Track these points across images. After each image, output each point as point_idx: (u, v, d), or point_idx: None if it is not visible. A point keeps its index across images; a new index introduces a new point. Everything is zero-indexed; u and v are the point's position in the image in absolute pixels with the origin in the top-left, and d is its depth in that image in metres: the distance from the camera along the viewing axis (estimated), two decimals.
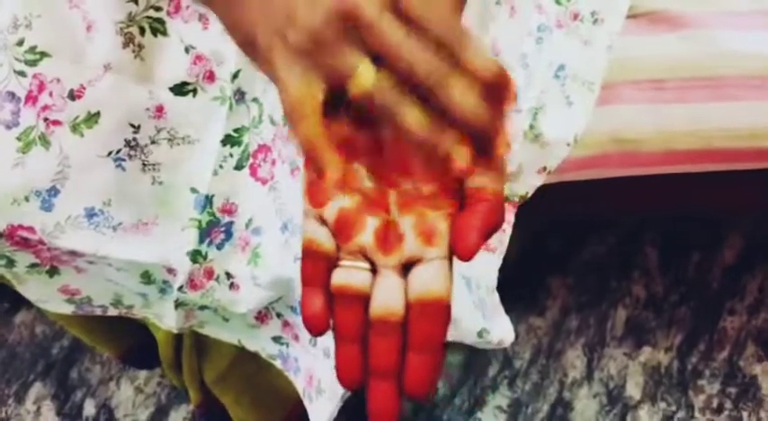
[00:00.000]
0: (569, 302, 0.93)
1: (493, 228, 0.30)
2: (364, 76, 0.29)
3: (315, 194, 0.32)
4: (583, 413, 0.88)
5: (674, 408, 0.87)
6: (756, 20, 0.53)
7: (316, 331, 0.30)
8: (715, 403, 0.87)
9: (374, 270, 0.31)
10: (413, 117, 0.29)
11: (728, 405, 0.87)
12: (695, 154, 0.56)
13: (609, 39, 0.53)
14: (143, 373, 0.93)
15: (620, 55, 0.54)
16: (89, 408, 0.92)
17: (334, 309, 0.30)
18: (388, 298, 0.30)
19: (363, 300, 0.30)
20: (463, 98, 0.28)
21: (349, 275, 0.30)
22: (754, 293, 0.93)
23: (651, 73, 0.54)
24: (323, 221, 0.31)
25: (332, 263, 0.31)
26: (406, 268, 0.30)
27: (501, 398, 0.89)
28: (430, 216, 0.30)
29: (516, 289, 0.94)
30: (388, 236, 0.31)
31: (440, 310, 0.29)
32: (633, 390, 0.89)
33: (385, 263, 0.30)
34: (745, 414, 0.87)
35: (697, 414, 0.87)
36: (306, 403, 0.54)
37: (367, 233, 0.31)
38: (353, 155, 0.32)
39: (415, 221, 0.30)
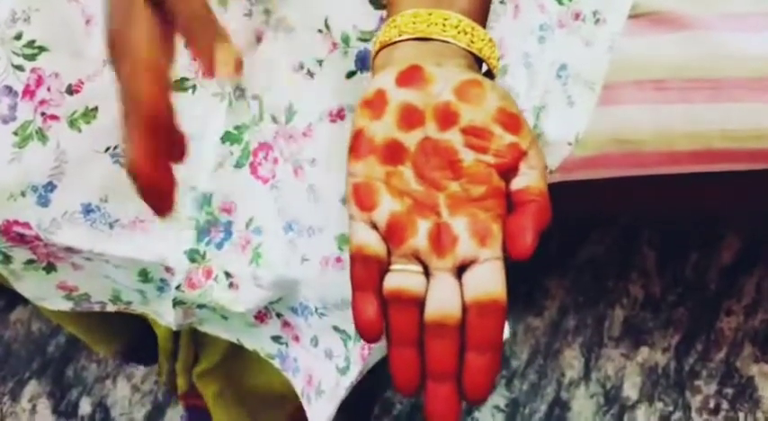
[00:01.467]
0: (567, 302, 0.93)
1: (544, 226, 0.31)
2: None
3: (362, 198, 0.32)
4: (580, 413, 0.88)
5: (671, 409, 0.88)
6: (758, 21, 0.53)
7: (370, 336, 0.30)
8: (712, 403, 0.88)
9: (426, 273, 0.31)
10: None
11: (725, 405, 0.87)
12: (695, 154, 0.56)
13: (610, 39, 0.53)
14: (139, 372, 0.92)
15: (621, 55, 0.53)
16: (85, 406, 0.92)
17: (390, 314, 0.30)
18: (444, 300, 0.30)
19: (419, 303, 0.30)
20: None
21: (403, 279, 0.30)
22: (752, 294, 0.93)
23: (652, 73, 0.54)
24: (373, 225, 0.31)
25: (384, 267, 0.31)
26: (459, 270, 0.30)
27: (498, 397, 0.89)
28: (481, 217, 0.31)
29: (514, 289, 0.94)
30: (441, 238, 0.31)
31: (498, 310, 0.29)
32: (630, 391, 0.89)
33: (439, 265, 0.30)
34: (741, 414, 0.87)
35: (694, 414, 0.87)
36: (304, 404, 0.53)
37: (420, 236, 0.31)
38: (398, 158, 0.32)
39: (468, 223, 0.31)
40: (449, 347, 0.29)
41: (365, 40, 0.46)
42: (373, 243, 0.31)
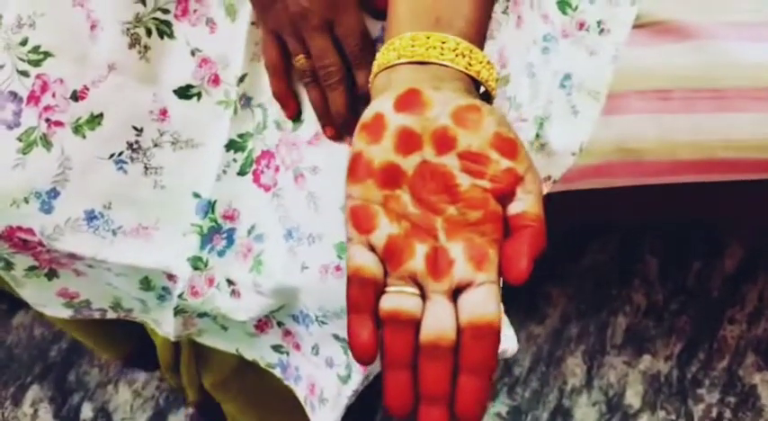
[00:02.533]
0: (569, 310, 0.93)
1: (539, 251, 0.31)
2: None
3: (360, 221, 0.32)
4: None
5: (673, 417, 0.87)
6: (762, 31, 0.53)
7: (365, 358, 0.30)
8: (714, 412, 0.87)
9: (422, 295, 0.31)
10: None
11: (728, 414, 0.87)
12: (699, 164, 0.56)
13: (614, 49, 0.53)
14: (141, 377, 0.92)
15: (625, 65, 0.53)
16: (87, 412, 0.92)
17: (385, 335, 0.30)
18: (439, 322, 0.30)
19: (414, 324, 0.30)
20: None
21: (400, 300, 0.31)
22: (754, 302, 0.93)
23: (657, 83, 0.54)
24: (371, 247, 0.32)
25: (380, 289, 0.31)
26: (454, 293, 0.31)
27: (501, 405, 0.89)
28: (478, 241, 0.31)
29: (517, 296, 0.93)
30: (438, 261, 0.31)
31: (492, 334, 0.29)
32: (633, 399, 0.88)
33: (435, 288, 0.31)
34: None
35: None
36: (308, 411, 0.53)
37: (417, 259, 0.31)
38: (396, 182, 0.32)
39: (464, 247, 0.31)
40: (442, 369, 0.29)
41: None
42: (371, 265, 0.31)
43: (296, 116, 0.46)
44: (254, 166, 0.48)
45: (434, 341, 0.30)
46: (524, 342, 0.92)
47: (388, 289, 0.31)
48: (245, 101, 0.48)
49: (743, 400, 0.88)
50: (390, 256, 0.31)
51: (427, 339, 0.30)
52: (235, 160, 0.48)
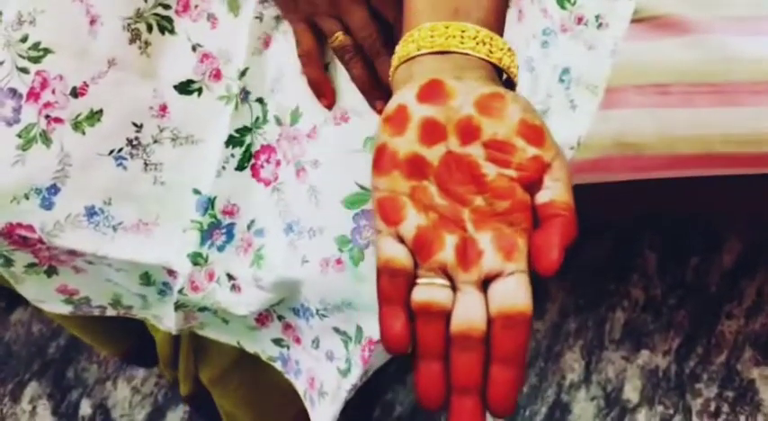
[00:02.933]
0: (568, 305, 0.94)
1: (570, 240, 0.31)
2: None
3: (389, 213, 0.32)
4: (580, 416, 0.88)
5: (671, 412, 0.88)
6: (762, 25, 0.53)
7: (398, 349, 0.30)
8: (713, 407, 0.88)
9: (452, 286, 0.31)
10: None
11: (726, 408, 0.87)
12: (698, 159, 0.56)
13: (613, 43, 0.53)
14: (140, 373, 0.92)
15: (624, 59, 0.53)
16: (85, 408, 0.92)
17: (417, 327, 0.30)
18: (470, 313, 0.30)
19: (445, 316, 0.30)
20: None
21: (431, 292, 0.31)
22: (753, 297, 0.93)
23: (655, 77, 0.54)
24: (400, 239, 0.31)
25: (411, 280, 0.31)
26: (483, 284, 0.31)
27: None
28: (506, 231, 0.31)
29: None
30: (467, 252, 0.31)
31: (523, 323, 0.29)
32: (631, 394, 0.89)
33: (465, 279, 0.31)
34: (742, 418, 0.87)
35: (694, 417, 0.87)
36: (307, 406, 0.53)
37: (447, 250, 0.31)
38: (422, 173, 0.32)
39: (493, 237, 0.31)
40: (474, 360, 0.29)
41: None
42: (401, 256, 0.31)
43: (332, 104, 0.46)
44: (253, 161, 0.49)
45: (465, 332, 0.30)
46: None
47: (419, 280, 0.31)
48: (244, 95, 0.48)
49: (741, 395, 0.88)
50: (420, 248, 0.31)
51: (458, 330, 0.30)
52: (233, 155, 0.48)
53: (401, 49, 0.36)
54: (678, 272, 0.95)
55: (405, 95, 0.33)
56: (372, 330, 0.47)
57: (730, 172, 0.57)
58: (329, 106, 0.46)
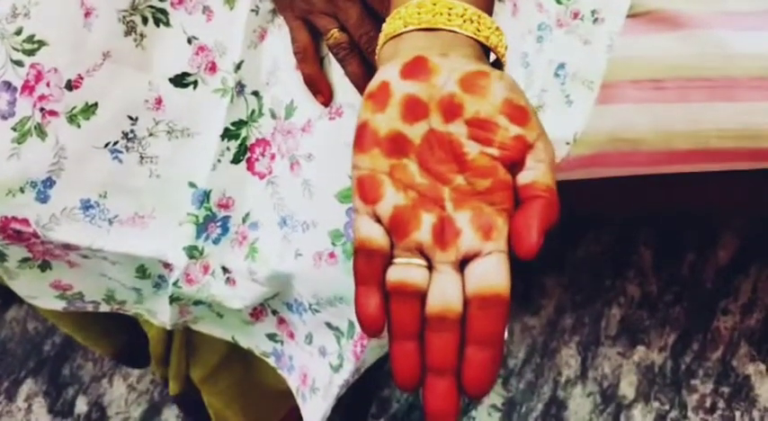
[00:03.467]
0: (564, 301, 0.94)
1: (551, 224, 0.30)
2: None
3: (367, 191, 0.31)
4: (576, 412, 0.88)
5: (667, 408, 0.88)
6: (757, 20, 0.53)
7: (373, 330, 0.29)
8: (708, 402, 0.88)
9: (429, 266, 0.30)
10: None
11: (721, 404, 0.88)
12: (693, 154, 0.56)
13: (609, 38, 0.53)
14: (136, 371, 0.92)
15: (620, 54, 0.53)
16: (81, 406, 0.91)
17: (391, 307, 0.30)
18: (445, 293, 0.29)
19: (420, 296, 0.30)
20: None
21: (406, 272, 0.30)
22: (748, 293, 0.93)
23: (651, 72, 0.54)
24: (377, 218, 0.31)
25: (387, 260, 0.30)
26: (461, 264, 0.30)
27: (495, 396, 0.89)
28: (486, 210, 0.30)
29: (511, 287, 0.94)
30: (444, 232, 0.30)
31: (500, 304, 0.29)
32: (627, 389, 0.89)
33: (442, 258, 0.30)
34: (737, 413, 0.87)
35: (690, 413, 0.87)
36: (299, 402, 0.53)
37: (424, 230, 0.30)
38: (403, 151, 0.32)
39: (472, 216, 0.30)
40: (449, 341, 0.29)
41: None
42: (377, 236, 0.31)
43: (329, 101, 0.46)
44: (248, 154, 0.48)
45: (440, 312, 0.29)
46: (519, 333, 0.92)
47: (395, 260, 0.30)
48: (240, 88, 0.48)
49: (736, 390, 0.88)
50: (396, 227, 0.31)
51: (433, 311, 0.29)
52: (228, 148, 0.48)
53: (387, 27, 0.35)
54: (674, 268, 0.95)
55: (388, 72, 0.33)
56: None
57: (726, 167, 0.57)
58: (326, 103, 0.46)
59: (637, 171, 0.58)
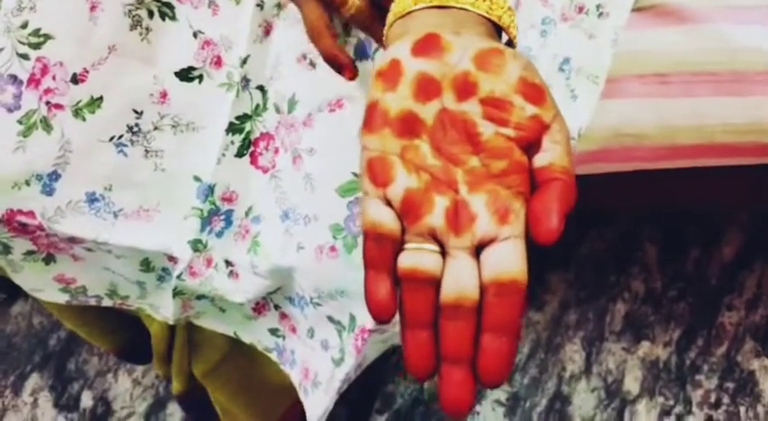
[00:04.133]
0: (568, 297, 0.94)
1: (569, 207, 0.29)
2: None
3: (377, 173, 0.30)
4: (581, 407, 0.88)
5: (671, 403, 0.88)
6: (762, 14, 0.53)
7: (382, 317, 0.28)
8: (713, 398, 0.88)
9: (443, 252, 0.29)
10: None
11: (726, 400, 0.87)
12: (698, 148, 0.56)
13: (614, 32, 0.53)
14: (141, 366, 0.92)
15: (625, 49, 0.53)
16: (86, 400, 0.92)
17: (403, 294, 0.28)
18: (461, 280, 0.28)
19: (434, 283, 0.29)
20: None
21: (419, 258, 0.29)
22: (753, 289, 0.93)
23: (656, 67, 0.54)
24: (387, 202, 0.30)
25: (398, 245, 0.29)
26: (477, 250, 0.29)
27: (499, 392, 0.89)
28: (502, 194, 0.29)
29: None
30: (459, 216, 0.29)
31: (517, 291, 0.28)
32: (631, 385, 0.89)
33: (456, 244, 0.29)
34: (742, 409, 0.87)
35: (695, 408, 0.87)
36: (301, 396, 0.53)
37: (437, 213, 0.29)
38: (414, 131, 0.30)
39: (488, 200, 0.29)
40: (465, 329, 0.28)
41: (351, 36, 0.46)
42: (387, 220, 0.29)
43: (355, 74, 0.43)
44: (252, 148, 0.48)
45: (455, 300, 0.28)
46: (523, 329, 0.92)
47: (406, 245, 0.29)
48: (245, 83, 0.48)
49: (741, 386, 0.88)
50: (408, 211, 0.29)
51: (448, 298, 0.28)
52: (233, 143, 0.48)
53: (397, 5, 0.34)
54: (678, 264, 0.95)
55: (399, 49, 0.31)
56: (365, 319, 0.47)
57: (731, 162, 0.57)
58: (352, 78, 0.43)
59: (640, 166, 0.58)
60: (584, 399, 0.88)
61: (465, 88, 0.30)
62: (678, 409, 0.87)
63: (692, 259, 0.95)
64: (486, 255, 0.29)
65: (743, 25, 0.53)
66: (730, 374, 0.88)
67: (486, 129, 0.30)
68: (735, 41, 0.53)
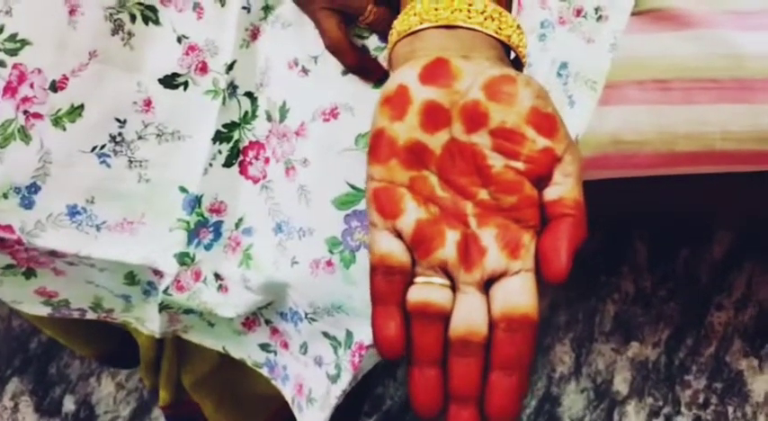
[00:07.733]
0: (558, 297, 0.93)
1: (579, 244, 0.28)
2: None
3: (384, 205, 0.29)
4: (570, 408, 0.88)
5: (660, 403, 0.88)
6: (764, 20, 0.52)
7: (391, 354, 0.27)
8: (701, 398, 0.88)
9: (452, 286, 0.29)
10: None
11: (714, 400, 0.88)
12: (696, 156, 0.55)
13: (613, 37, 0.52)
14: (124, 370, 0.91)
15: (623, 54, 0.52)
16: (69, 405, 0.90)
17: (414, 330, 0.28)
18: (470, 316, 0.28)
19: (444, 318, 0.28)
20: None
21: (429, 292, 0.28)
22: (742, 289, 0.93)
23: (656, 73, 0.53)
24: (397, 234, 0.29)
25: (408, 279, 0.29)
26: (486, 283, 0.28)
27: None
28: (512, 227, 0.28)
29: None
30: (469, 250, 0.28)
31: (528, 326, 0.27)
32: (621, 385, 0.89)
33: (467, 279, 0.28)
34: (730, 409, 0.87)
35: (683, 409, 0.88)
36: (295, 412, 0.52)
37: (448, 247, 0.28)
38: (422, 162, 0.30)
39: (498, 233, 0.28)
40: (473, 367, 0.27)
41: (361, 37, 0.45)
42: (397, 253, 0.29)
43: (382, 77, 0.43)
44: (241, 158, 0.47)
45: (465, 336, 0.27)
46: None
47: (416, 279, 0.28)
48: (232, 90, 0.46)
49: (730, 386, 0.88)
50: (419, 244, 0.29)
51: (457, 334, 0.27)
52: (220, 152, 0.46)
53: (401, 23, 0.33)
54: (668, 264, 0.95)
55: (406, 74, 0.30)
56: (363, 335, 0.46)
57: (730, 169, 0.57)
58: (378, 79, 0.43)
59: (638, 173, 0.57)
60: (573, 400, 0.88)
61: (475, 119, 0.29)
62: (667, 410, 0.88)
63: (682, 259, 0.95)
64: (495, 290, 0.28)
65: (745, 31, 0.52)
66: (719, 374, 0.89)
67: (497, 162, 0.29)
68: (738, 47, 0.52)
